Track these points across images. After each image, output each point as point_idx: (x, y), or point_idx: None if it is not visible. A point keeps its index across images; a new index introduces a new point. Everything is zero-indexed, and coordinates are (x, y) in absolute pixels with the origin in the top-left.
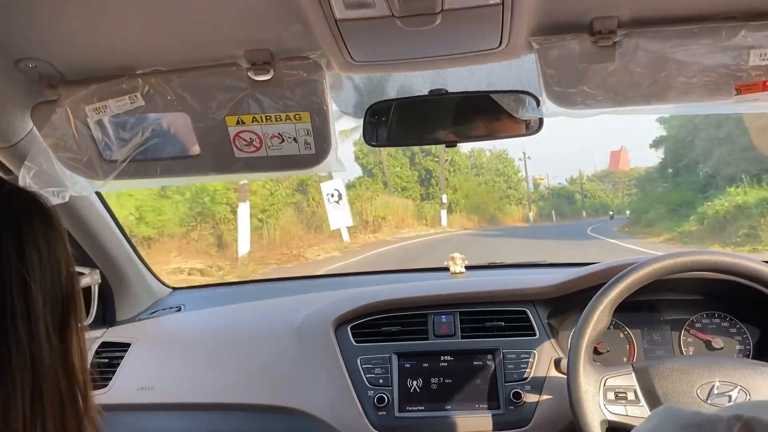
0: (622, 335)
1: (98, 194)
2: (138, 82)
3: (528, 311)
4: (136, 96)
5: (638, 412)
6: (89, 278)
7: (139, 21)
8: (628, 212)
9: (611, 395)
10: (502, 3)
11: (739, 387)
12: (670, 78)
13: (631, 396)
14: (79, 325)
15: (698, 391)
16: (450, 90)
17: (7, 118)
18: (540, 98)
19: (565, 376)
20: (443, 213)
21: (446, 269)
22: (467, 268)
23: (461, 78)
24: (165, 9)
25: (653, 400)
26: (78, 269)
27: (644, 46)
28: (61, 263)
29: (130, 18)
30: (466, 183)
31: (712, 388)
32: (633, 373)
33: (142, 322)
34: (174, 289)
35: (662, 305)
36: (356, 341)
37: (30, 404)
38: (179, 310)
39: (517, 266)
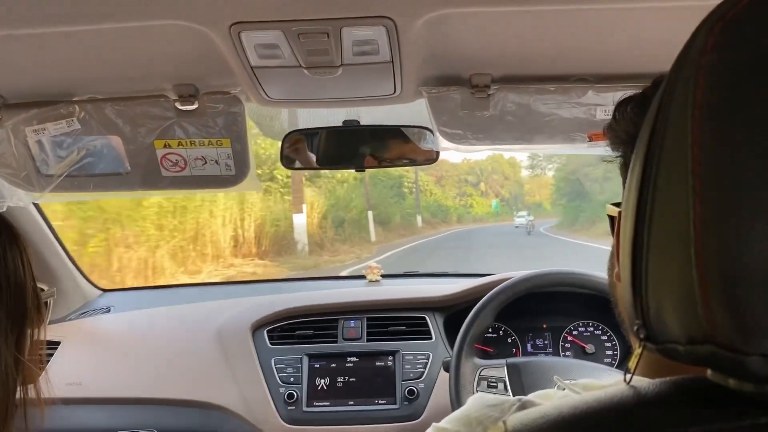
0: (509, 340)
1: (35, 204)
2: (75, 108)
3: (427, 317)
4: (72, 120)
5: None
6: (48, 294)
7: (78, 54)
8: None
9: (484, 384)
10: (392, 60)
11: None
12: (535, 125)
13: (501, 387)
14: (37, 335)
15: (557, 387)
16: (362, 121)
17: None
18: (435, 133)
19: None
20: None
21: (364, 277)
22: (383, 276)
23: (372, 110)
24: (102, 44)
25: (519, 391)
26: (39, 285)
27: (513, 99)
28: (26, 281)
29: (69, 50)
30: None
31: None
32: (505, 367)
33: (72, 321)
34: (104, 290)
35: (546, 313)
36: (271, 343)
37: None
38: (108, 311)
39: (429, 275)
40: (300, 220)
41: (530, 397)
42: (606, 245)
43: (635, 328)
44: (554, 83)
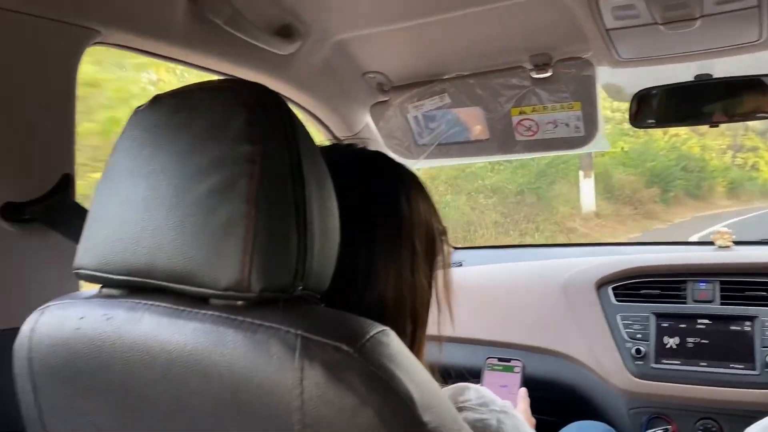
0: None
1: None
2: (446, 84)
3: None
4: (444, 95)
5: None
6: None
7: (449, 37)
8: None
9: None
10: (759, 4)
11: None
12: None
13: None
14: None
15: None
16: (715, 75)
17: (354, 115)
18: None
19: None
20: None
21: (711, 243)
22: (735, 242)
23: (727, 62)
24: (469, 26)
25: None
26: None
27: None
28: (432, 222)
29: (442, 36)
30: None
31: None
32: None
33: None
34: (455, 248)
35: None
36: (617, 300)
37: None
38: (460, 265)
39: None
40: None
41: None
42: None
43: None
44: None
